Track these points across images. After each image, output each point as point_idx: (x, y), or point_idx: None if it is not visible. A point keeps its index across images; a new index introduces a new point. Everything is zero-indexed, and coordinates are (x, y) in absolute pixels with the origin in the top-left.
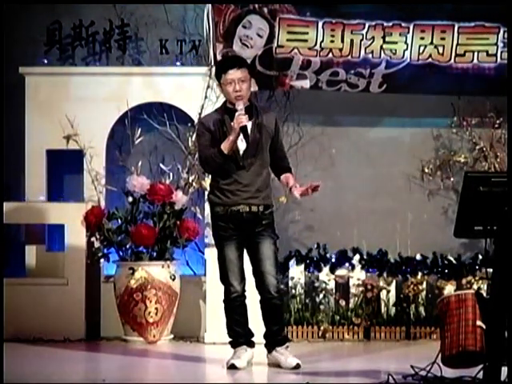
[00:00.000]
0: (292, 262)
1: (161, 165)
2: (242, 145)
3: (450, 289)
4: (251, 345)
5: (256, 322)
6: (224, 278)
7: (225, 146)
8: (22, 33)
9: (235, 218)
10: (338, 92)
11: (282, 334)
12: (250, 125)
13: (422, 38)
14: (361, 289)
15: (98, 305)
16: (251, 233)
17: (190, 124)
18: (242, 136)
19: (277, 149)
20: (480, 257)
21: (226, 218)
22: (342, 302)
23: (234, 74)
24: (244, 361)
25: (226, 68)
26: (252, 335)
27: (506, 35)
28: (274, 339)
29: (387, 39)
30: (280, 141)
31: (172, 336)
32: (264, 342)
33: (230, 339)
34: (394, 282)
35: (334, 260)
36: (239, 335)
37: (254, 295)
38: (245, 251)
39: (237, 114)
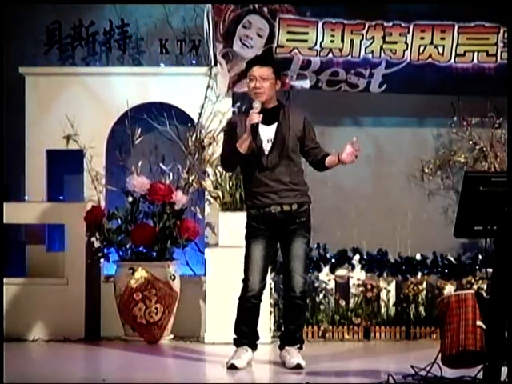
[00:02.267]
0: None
1: (161, 165)
2: (267, 145)
3: (449, 289)
4: (254, 347)
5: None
6: (244, 275)
7: (239, 145)
8: (22, 33)
9: (269, 219)
10: (338, 92)
11: (296, 335)
12: (275, 126)
13: (422, 38)
14: (361, 289)
15: (98, 305)
16: (285, 231)
17: (190, 124)
18: (268, 137)
19: (310, 149)
20: (480, 257)
21: (259, 218)
22: (342, 302)
23: (256, 71)
24: (244, 361)
25: (251, 65)
26: (257, 338)
27: (506, 35)
28: (287, 338)
29: (387, 39)
30: (312, 140)
31: (172, 336)
32: (266, 342)
33: (235, 336)
34: (394, 282)
35: (333, 260)
36: (244, 335)
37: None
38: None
39: (251, 111)
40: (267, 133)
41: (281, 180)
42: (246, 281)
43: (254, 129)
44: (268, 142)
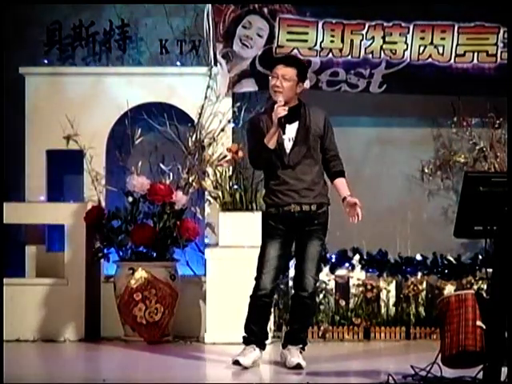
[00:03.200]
0: (292, 262)
1: (161, 165)
2: (288, 144)
3: (450, 289)
4: (262, 346)
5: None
6: (257, 273)
7: (267, 140)
8: (22, 33)
9: (287, 218)
10: (338, 92)
11: (300, 334)
12: (296, 124)
13: (422, 38)
14: (361, 289)
15: (98, 305)
16: (302, 231)
17: (190, 124)
18: (289, 135)
19: (326, 148)
20: (480, 257)
21: (278, 217)
22: (342, 302)
23: (279, 69)
24: (250, 359)
25: (275, 63)
26: (266, 338)
27: (506, 35)
28: (291, 336)
29: (387, 39)
30: (330, 140)
31: (172, 336)
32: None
33: (244, 335)
34: (394, 282)
35: (333, 260)
36: (253, 334)
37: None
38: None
39: (276, 105)
40: (288, 131)
41: (302, 179)
42: (258, 279)
43: (282, 122)
44: (289, 140)
